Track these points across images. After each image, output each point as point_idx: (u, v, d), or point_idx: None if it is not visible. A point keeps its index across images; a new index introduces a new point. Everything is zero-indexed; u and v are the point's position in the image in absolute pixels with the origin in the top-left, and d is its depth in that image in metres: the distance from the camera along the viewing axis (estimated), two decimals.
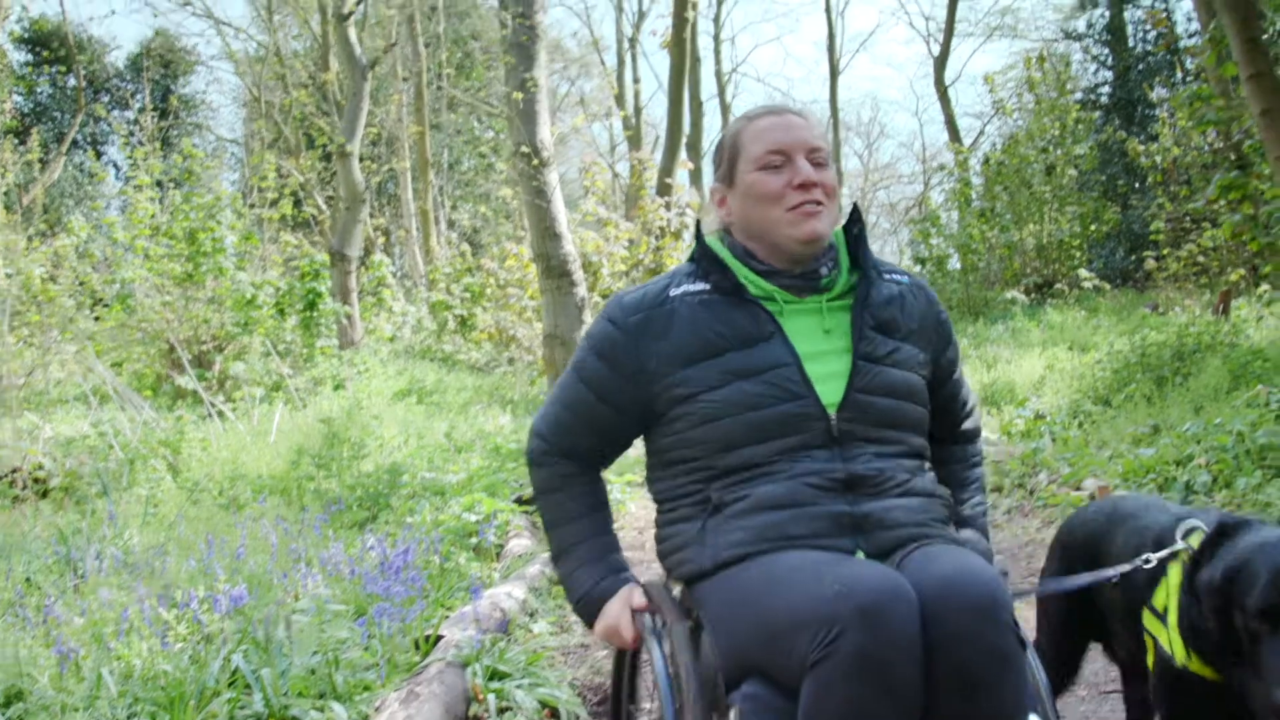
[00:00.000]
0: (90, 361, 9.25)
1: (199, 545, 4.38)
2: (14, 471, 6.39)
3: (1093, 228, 18.74)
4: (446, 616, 3.82)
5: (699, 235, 2.07)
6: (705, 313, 1.96)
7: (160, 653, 3.13)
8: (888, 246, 33.75)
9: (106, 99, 24.76)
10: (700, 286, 1.99)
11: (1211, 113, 8.25)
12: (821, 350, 1.95)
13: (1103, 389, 8.60)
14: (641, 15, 28.60)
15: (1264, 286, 10.25)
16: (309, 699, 2.92)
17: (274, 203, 16.82)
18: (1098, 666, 2.97)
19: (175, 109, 24.12)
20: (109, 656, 3.12)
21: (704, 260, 2.02)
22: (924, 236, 19.52)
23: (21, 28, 23.62)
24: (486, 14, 25.70)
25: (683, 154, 17.21)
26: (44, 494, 6.32)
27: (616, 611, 1.98)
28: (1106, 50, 21.89)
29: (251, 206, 16.33)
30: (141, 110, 19.96)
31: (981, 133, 29.10)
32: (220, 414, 8.67)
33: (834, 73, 30.36)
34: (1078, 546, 2.37)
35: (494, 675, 3.23)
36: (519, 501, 6.02)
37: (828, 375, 1.93)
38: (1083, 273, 17.78)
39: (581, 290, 11.02)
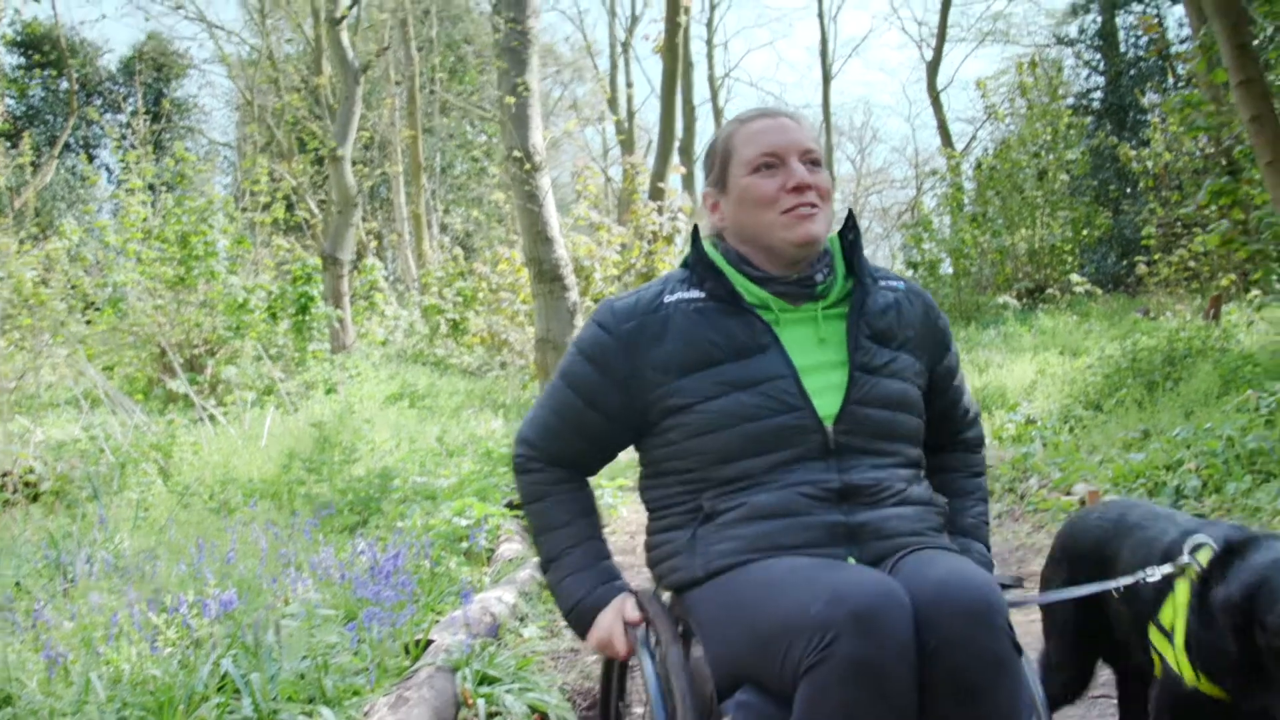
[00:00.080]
0: (81, 365, 9.23)
1: (189, 549, 4.36)
2: (4, 475, 6.37)
3: (1084, 233, 18.81)
4: (436, 621, 3.81)
5: (696, 240, 2.03)
6: (701, 321, 1.92)
7: (149, 657, 3.12)
8: (880, 251, 33.83)
9: (99, 102, 24.75)
10: (695, 294, 1.96)
11: (1202, 118, 8.29)
12: (818, 361, 1.92)
13: (1094, 394, 8.61)
14: (634, 20, 28.53)
15: (1254, 292, 10.29)
16: (298, 704, 2.91)
17: (266, 206, 16.81)
18: None
19: (168, 112, 24.11)
20: (98, 661, 3.11)
21: (699, 266, 1.99)
22: (916, 241, 19.53)
23: (14, 31, 23.55)
24: (479, 18, 25.70)
25: (675, 158, 17.21)
26: (34, 498, 6.30)
27: (609, 623, 1.95)
28: (1098, 55, 21.96)
29: (244, 210, 16.30)
30: (134, 114, 19.90)
31: (974, 138, 29.13)
32: (211, 418, 8.64)
33: (826, 78, 30.55)
34: (1083, 553, 2.32)
35: (484, 680, 3.22)
36: (510, 506, 6.00)
37: (825, 387, 1.90)
38: (1074, 277, 17.82)
39: (574, 294, 11.02)
